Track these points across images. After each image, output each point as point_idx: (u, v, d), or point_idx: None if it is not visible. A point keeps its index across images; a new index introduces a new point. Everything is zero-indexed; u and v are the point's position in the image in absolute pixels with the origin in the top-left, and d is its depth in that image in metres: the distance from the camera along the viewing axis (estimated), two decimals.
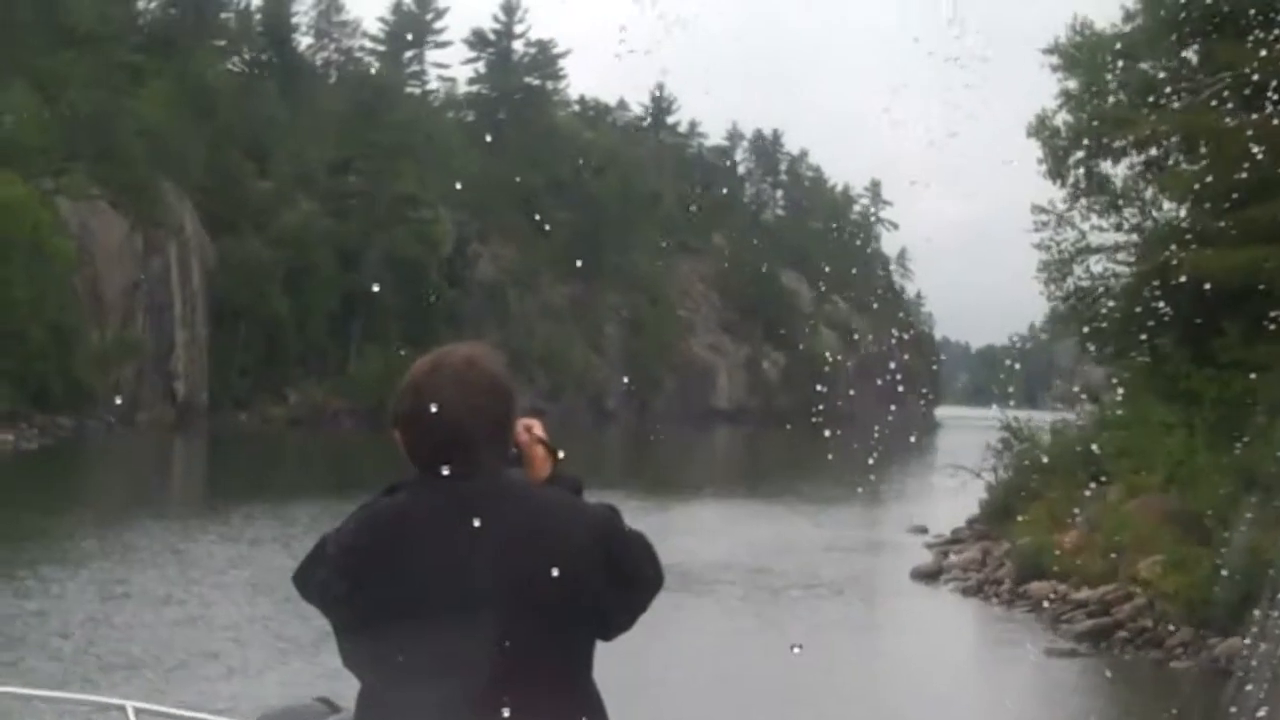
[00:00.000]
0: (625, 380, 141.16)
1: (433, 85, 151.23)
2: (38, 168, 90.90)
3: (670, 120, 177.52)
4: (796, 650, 25.03)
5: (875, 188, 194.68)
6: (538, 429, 4.18)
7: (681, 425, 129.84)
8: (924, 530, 45.82)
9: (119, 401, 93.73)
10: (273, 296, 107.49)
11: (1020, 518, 35.01)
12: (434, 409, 3.96)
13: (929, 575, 36.80)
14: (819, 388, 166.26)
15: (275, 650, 23.84)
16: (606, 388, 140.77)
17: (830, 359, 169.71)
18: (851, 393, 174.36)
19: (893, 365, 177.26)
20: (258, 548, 35.63)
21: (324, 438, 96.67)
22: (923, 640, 29.18)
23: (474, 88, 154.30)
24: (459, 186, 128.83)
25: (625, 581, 3.99)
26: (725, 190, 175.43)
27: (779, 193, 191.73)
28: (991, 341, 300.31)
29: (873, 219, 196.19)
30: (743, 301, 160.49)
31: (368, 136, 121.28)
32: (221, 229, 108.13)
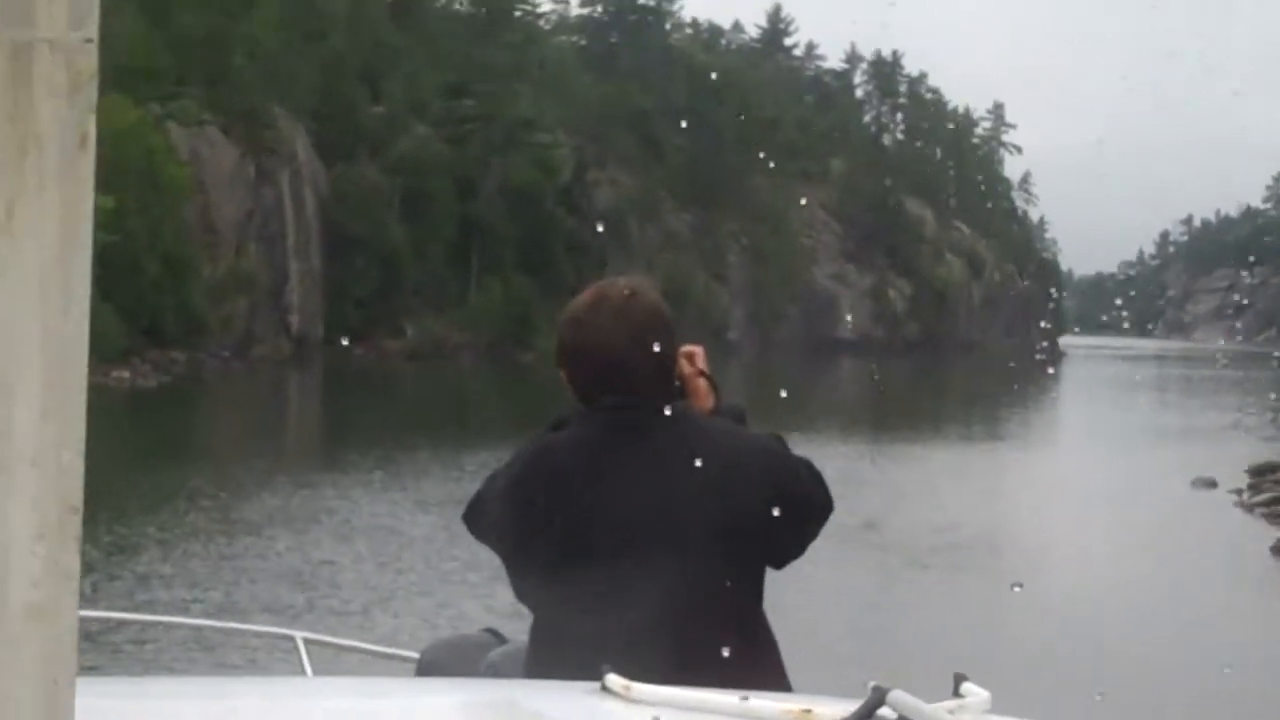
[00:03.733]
0: (748, 310, 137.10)
1: (545, 8, 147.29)
2: (148, 93, 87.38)
3: (787, 43, 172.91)
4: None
5: (998, 110, 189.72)
6: (700, 360, 4.08)
7: (805, 356, 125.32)
8: (1212, 484, 37.53)
9: (233, 336, 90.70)
10: (389, 226, 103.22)
11: None
12: (597, 342, 3.94)
13: None
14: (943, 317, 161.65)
15: None
16: (728, 318, 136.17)
17: (955, 287, 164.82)
18: (976, 322, 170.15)
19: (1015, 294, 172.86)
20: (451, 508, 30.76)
21: (446, 372, 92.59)
22: None
23: (586, 10, 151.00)
24: (575, 111, 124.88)
25: (795, 509, 3.89)
26: (843, 114, 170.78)
27: (899, 116, 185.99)
28: (1100, 269, 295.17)
29: (995, 142, 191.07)
30: (865, 229, 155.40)
31: (481, 60, 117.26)
32: (335, 156, 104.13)
